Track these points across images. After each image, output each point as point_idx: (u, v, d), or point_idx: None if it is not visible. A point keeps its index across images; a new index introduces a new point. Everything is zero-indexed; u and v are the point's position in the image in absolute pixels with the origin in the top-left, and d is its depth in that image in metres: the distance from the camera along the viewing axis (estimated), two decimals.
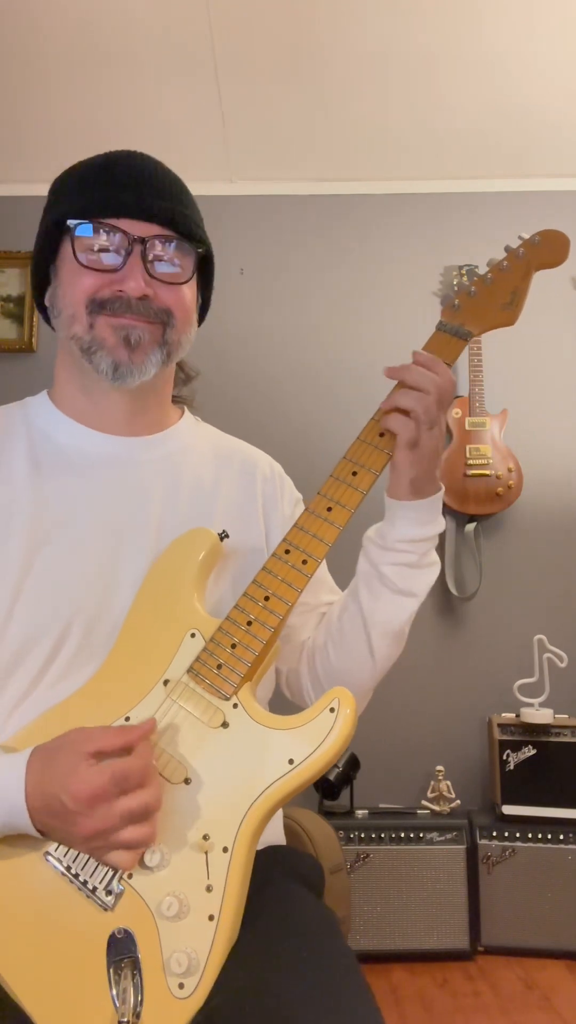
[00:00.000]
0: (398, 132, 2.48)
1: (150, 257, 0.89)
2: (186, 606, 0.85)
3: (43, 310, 0.99)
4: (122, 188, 0.89)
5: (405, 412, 0.87)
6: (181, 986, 0.69)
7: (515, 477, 2.46)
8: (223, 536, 0.89)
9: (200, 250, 0.94)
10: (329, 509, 0.86)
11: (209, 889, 0.72)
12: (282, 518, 1.03)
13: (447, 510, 2.38)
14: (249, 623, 0.82)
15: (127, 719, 0.80)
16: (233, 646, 0.81)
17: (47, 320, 0.99)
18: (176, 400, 1.07)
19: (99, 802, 0.70)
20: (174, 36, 2.12)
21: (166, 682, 0.82)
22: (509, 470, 2.46)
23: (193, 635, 0.83)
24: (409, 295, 2.67)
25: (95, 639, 0.86)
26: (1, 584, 0.85)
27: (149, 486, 0.95)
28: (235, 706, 0.79)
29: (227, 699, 0.79)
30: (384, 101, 2.35)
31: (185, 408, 1.08)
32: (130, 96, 2.32)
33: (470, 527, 2.51)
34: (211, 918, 0.71)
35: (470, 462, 2.46)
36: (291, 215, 2.68)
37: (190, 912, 0.72)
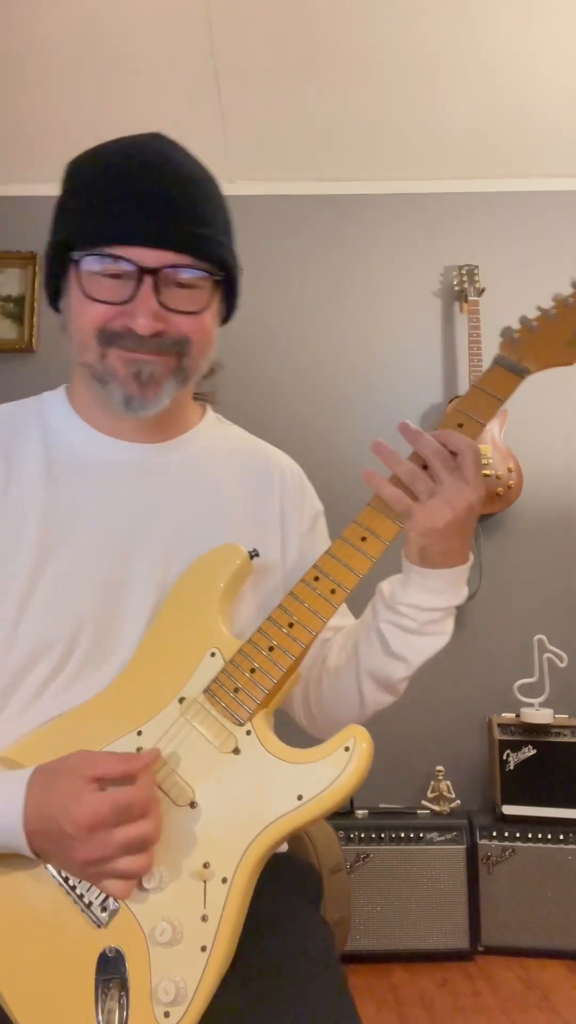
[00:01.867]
0: (398, 132, 2.48)
1: (162, 287, 0.81)
2: (209, 624, 0.83)
3: (52, 302, 0.93)
4: (133, 210, 0.81)
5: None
6: (167, 1015, 0.68)
7: (515, 477, 2.46)
8: (254, 555, 0.87)
9: (218, 277, 0.86)
10: (363, 539, 0.82)
11: (204, 919, 0.70)
12: (300, 532, 0.99)
13: None
14: (271, 648, 0.79)
15: (139, 733, 0.79)
16: (252, 671, 0.79)
17: (51, 302, 0.93)
18: (198, 396, 1.03)
19: (98, 829, 0.69)
20: (174, 36, 2.12)
21: (181, 699, 0.80)
22: (509, 470, 2.46)
23: (213, 654, 0.81)
24: (409, 295, 2.67)
25: (103, 648, 0.84)
26: (11, 590, 0.83)
27: (162, 493, 0.92)
28: (248, 733, 0.77)
29: (241, 724, 0.77)
30: (384, 101, 2.35)
31: (207, 407, 1.04)
32: (130, 96, 2.32)
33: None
34: (203, 949, 0.69)
35: None
36: (291, 215, 2.68)
37: (183, 940, 0.70)
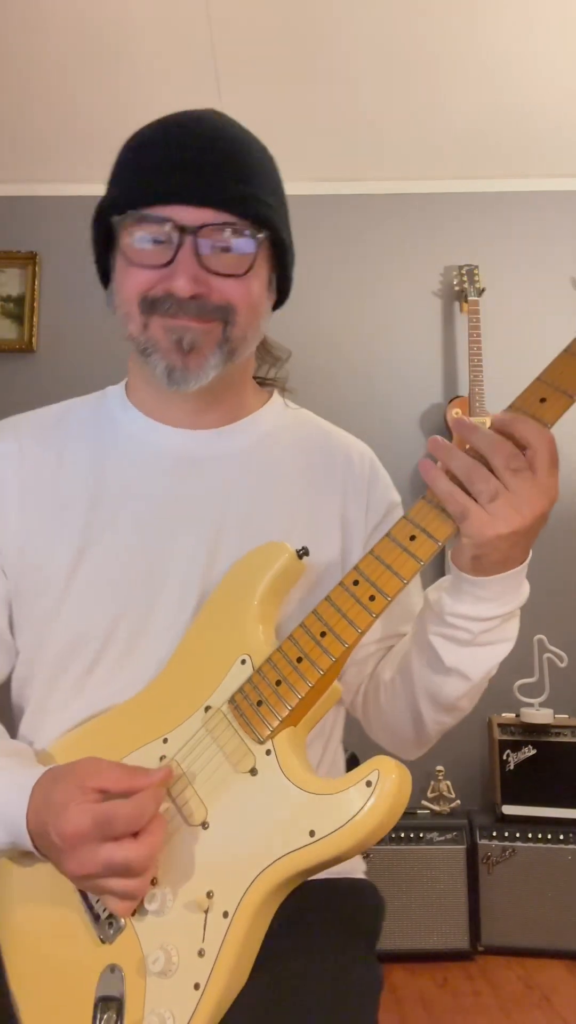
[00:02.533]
0: (398, 132, 2.48)
1: (203, 248, 0.77)
2: (245, 628, 0.76)
3: (103, 280, 0.90)
4: (171, 168, 0.77)
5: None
6: None
7: None
8: (302, 553, 0.78)
9: (261, 235, 0.80)
10: (413, 538, 0.70)
11: (201, 954, 0.64)
12: (366, 526, 0.91)
13: None
14: (299, 659, 0.70)
15: (165, 740, 0.75)
16: (278, 683, 0.70)
17: (102, 281, 0.89)
18: (267, 383, 0.99)
19: (81, 843, 0.65)
20: (174, 36, 2.12)
21: (207, 708, 0.74)
22: None
23: (244, 661, 0.74)
24: (409, 295, 2.67)
25: (139, 642, 0.82)
26: (53, 579, 0.83)
27: (212, 482, 0.87)
28: (268, 752, 0.68)
29: (261, 743, 0.69)
30: (384, 101, 2.35)
31: (275, 392, 0.99)
32: (130, 96, 2.32)
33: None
34: (196, 987, 0.63)
35: None
36: (291, 215, 2.68)
37: (176, 972, 0.64)
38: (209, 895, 0.66)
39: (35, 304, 2.68)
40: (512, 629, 0.77)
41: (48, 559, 0.84)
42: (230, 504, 0.86)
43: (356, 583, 0.71)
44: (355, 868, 0.90)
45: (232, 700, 0.72)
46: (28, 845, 0.71)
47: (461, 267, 2.55)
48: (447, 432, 2.53)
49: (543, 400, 0.69)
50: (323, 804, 0.64)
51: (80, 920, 0.72)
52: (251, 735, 0.70)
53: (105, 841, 0.65)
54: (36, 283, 2.69)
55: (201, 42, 2.13)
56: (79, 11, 2.04)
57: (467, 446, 0.70)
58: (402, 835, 2.12)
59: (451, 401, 2.53)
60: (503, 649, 0.77)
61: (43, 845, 0.70)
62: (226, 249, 0.78)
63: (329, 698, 0.72)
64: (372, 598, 0.70)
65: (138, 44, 2.15)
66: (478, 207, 2.67)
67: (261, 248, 0.81)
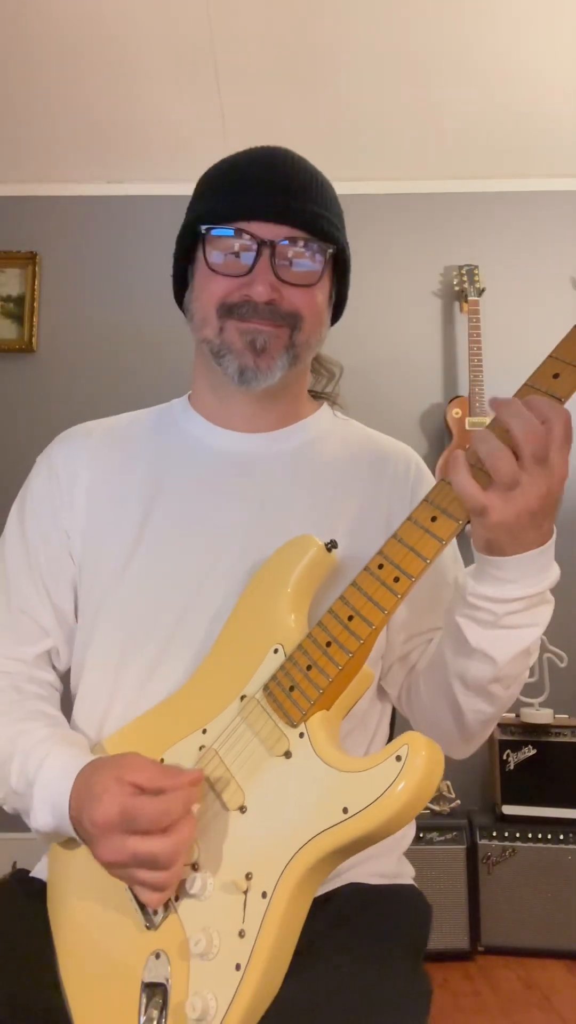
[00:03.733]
0: (398, 132, 2.48)
1: (278, 260, 0.88)
2: (277, 619, 0.79)
3: (177, 297, 1.00)
4: (253, 190, 0.88)
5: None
6: None
7: None
8: (330, 546, 0.81)
9: (331, 250, 0.91)
10: (434, 519, 0.72)
11: (242, 935, 0.65)
12: None
13: None
14: (328, 644, 0.73)
15: (204, 731, 0.78)
16: (308, 668, 0.73)
17: (176, 297, 0.99)
18: (319, 395, 1.07)
19: (109, 833, 0.69)
20: (174, 36, 2.12)
21: (243, 697, 0.77)
22: None
23: (276, 650, 0.77)
24: (409, 295, 2.67)
25: (187, 631, 0.87)
26: (109, 567, 0.90)
27: (265, 482, 0.93)
28: (301, 735, 0.71)
29: (294, 726, 0.71)
30: (384, 101, 2.35)
31: (325, 404, 1.06)
32: (130, 96, 2.32)
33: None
34: (238, 967, 0.64)
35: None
36: None
37: (218, 954, 0.66)
38: (248, 877, 0.68)
39: (35, 304, 2.68)
40: (543, 615, 0.77)
41: (106, 550, 0.91)
42: (275, 502, 0.92)
43: (381, 567, 0.73)
44: (403, 872, 0.93)
45: (266, 688, 0.76)
46: (70, 829, 0.76)
47: (461, 267, 2.55)
48: (447, 432, 2.53)
49: (556, 376, 0.70)
50: (355, 781, 0.65)
51: (127, 908, 0.74)
52: (284, 719, 0.72)
53: (131, 834, 0.68)
54: (36, 283, 2.69)
55: (201, 42, 2.14)
56: (79, 11, 2.04)
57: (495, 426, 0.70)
58: None
59: (451, 401, 2.53)
60: (530, 634, 0.77)
61: (80, 830, 0.74)
62: (298, 261, 0.89)
63: (361, 682, 0.74)
64: (397, 579, 0.71)
65: (138, 44, 2.15)
66: (478, 207, 2.67)
67: (327, 264, 0.92)
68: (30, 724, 0.85)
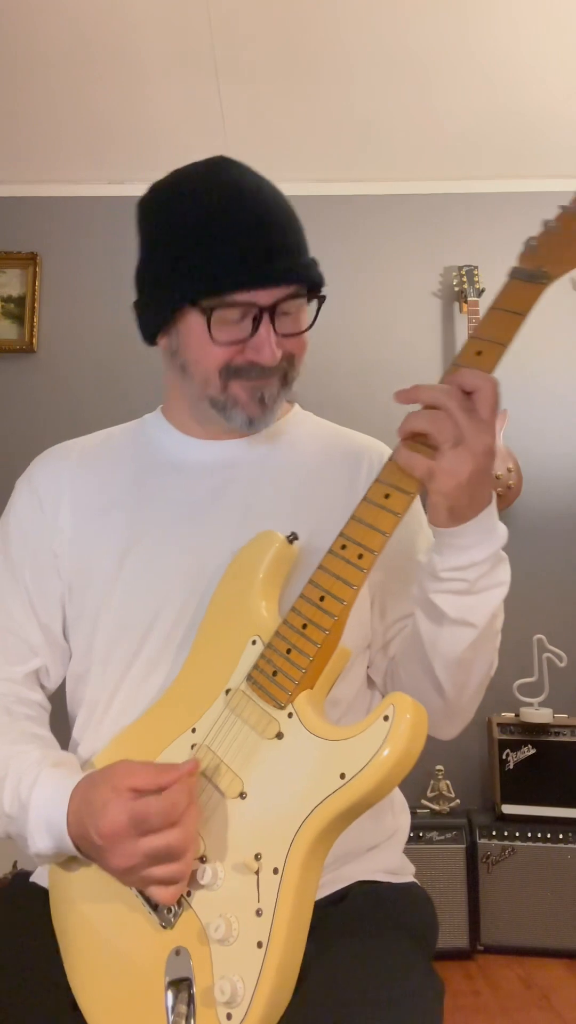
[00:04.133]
0: (398, 132, 2.48)
1: (277, 318, 0.88)
2: (250, 612, 0.82)
3: (149, 339, 0.99)
4: (245, 256, 0.85)
5: (423, 436, 0.77)
6: (229, 1016, 0.65)
7: (515, 477, 2.47)
8: (291, 538, 0.85)
9: (321, 296, 0.93)
10: (387, 496, 0.77)
11: (259, 913, 0.67)
12: None
13: None
14: (304, 626, 0.76)
15: (193, 731, 0.80)
16: (288, 651, 0.76)
17: (146, 337, 0.98)
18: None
19: (120, 840, 0.70)
20: (174, 36, 2.12)
21: (228, 691, 0.80)
22: (509, 470, 2.46)
23: (254, 642, 0.80)
24: (409, 295, 2.67)
25: (176, 637, 0.89)
26: (101, 574, 0.92)
27: (244, 485, 0.96)
28: (290, 716, 0.74)
29: (282, 708, 0.74)
30: (384, 101, 2.35)
31: (296, 403, 1.08)
32: (131, 96, 2.32)
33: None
34: (259, 945, 0.66)
35: None
36: None
37: (239, 936, 0.68)
38: (257, 857, 0.69)
39: (35, 304, 2.68)
40: (504, 573, 0.83)
41: (96, 558, 0.93)
42: (253, 503, 0.94)
43: (344, 547, 0.77)
44: (406, 868, 0.95)
45: (249, 678, 0.78)
46: (72, 849, 0.76)
47: (461, 268, 2.55)
48: None
49: (479, 353, 0.78)
50: (348, 747, 0.68)
51: (139, 912, 0.75)
52: (272, 703, 0.75)
53: (143, 835, 0.70)
54: (36, 283, 2.69)
55: (201, 42, 2.14)
56: (79, 11, 2.04)
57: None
58: None
59: None
60: (499, 593, 0.83)
61: (85, 847, 0.75)
62: (294, 314, 0.91)
63: (339, 659, 0.78)
64: (360, 556, 0.76)
65: (138, 44, 2.15)
66: (478, 207, 2.67)
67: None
68: (22, 747, 0.85)
